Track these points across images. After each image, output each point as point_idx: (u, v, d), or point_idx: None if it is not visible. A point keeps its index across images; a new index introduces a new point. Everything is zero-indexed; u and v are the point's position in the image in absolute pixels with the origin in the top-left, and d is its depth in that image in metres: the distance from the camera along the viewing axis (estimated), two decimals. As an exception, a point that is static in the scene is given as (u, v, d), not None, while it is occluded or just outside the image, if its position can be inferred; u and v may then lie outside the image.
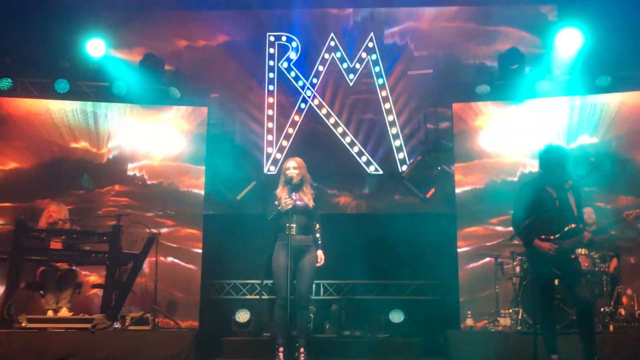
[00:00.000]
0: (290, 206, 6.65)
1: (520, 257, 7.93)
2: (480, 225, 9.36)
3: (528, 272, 7.60)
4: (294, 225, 6.74)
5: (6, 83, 9.44)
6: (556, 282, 6.37)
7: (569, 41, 9.06)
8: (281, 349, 6.58)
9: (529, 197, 6.14)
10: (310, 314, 9.11)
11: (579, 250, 7.41)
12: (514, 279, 8.15)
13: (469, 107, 9.63)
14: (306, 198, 6.86)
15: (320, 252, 6.94)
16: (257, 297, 9.60)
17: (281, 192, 6.88)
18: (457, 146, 9.65)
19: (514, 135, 9.41)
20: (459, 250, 9.36)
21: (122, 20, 9.85)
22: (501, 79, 9.59)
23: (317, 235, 7.02)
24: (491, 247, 8.90)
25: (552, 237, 6.01)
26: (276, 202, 6.81)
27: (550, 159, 6.18)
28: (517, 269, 8.06)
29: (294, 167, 6.90)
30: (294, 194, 6.79)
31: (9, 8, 9.23)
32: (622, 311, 7.77)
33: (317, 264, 6.89)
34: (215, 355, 8.35)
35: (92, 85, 9.80)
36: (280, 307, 6.68)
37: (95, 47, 9.44)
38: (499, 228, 8.95)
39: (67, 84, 9.45)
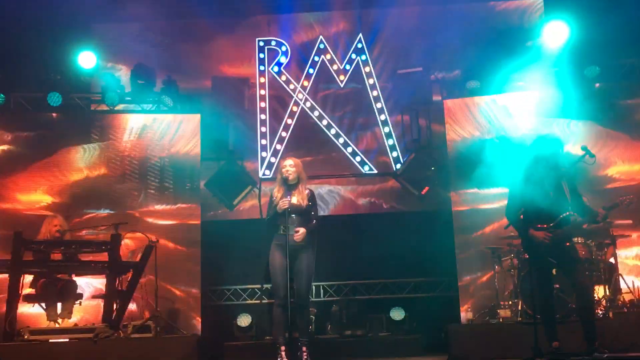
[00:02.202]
0: (286, 206, 6.68)
1: (517, 248, 7.97)
2: (475, 218, 9.41)
3: (526, 262, 7.65)
4: (290, 225, 6.77)
5: (-1, 99, 9.50)
6: (554, 271, 6.43)
7: (556, 33, 9.14)
8: (283, 347, 6.60)
9: (523, 186, 6.20)
10: (312, 316, 9.18)
11: (576, 238, 7.46)
12: (512, 270, 8.20)
13: (460, 102, 9.69)
14: (300, 197, 6.87)
15: (303, 230, 6.84)
16: (258, 301, 9.63)
17: (277, 191, 6.92)
18: (450, 142, 9.69)
19: (506, 126, 9.48)
20: (456, 244, 9.38)
21: (112, 32, 9.88)
22: (491, 74, 9.63)
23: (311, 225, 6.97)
24: (487, 239, 8.94)
25: (546, 226, 6.06)
26: (274, 201, 6.86)
27: (543, 148, 6.24)
28: (515, 260, 8.12)
29: (290, 165, 6.94)
30: (290, 193, 6.81)
31: (-1, 23, 9.26)
32: (621, 298, 7.84)
33: (296, 236, 6.78)
34: (218, 360, 8.40)
35: (84, 97, 9.86)
36: (279, 306, 6.70)
37: (87, 59, 9.48)
38: (495, 220, 8.98)
39: (59, 97, 9.47)
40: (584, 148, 6.19)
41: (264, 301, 9.55)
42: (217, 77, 10.19)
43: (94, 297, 8.57)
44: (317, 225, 7.01)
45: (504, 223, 6.44)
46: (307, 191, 6.99)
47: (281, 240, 6.73)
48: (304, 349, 6.68)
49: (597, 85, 9.16)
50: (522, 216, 6.14)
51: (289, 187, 6.86)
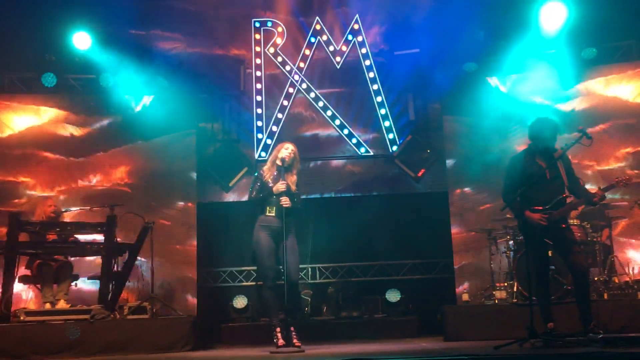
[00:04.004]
0: (284, 189, 6.63)
1: (513, 230, 7.98)
2: (472, 201, 9.44)
3: (521, 244, 7.67)
4: (275, 207, 6.70)
5: (-8, 79, 9.47)
6: (550, 253, 6.43)
7: (554, 15, 9.06)
8: (278, 329, 6.57)
9: (519, 168, 6.18)
10: (307, 298, 9.21)
11: (572, 220, 7.47)
12: (507, 252, 8.21)
13: (456, 84, 9.67)
14: (291, 182, 6.82)
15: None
16: (254, 283, 9.64)
17: (267, 172, 6.83)
18: (446, 124, 9.72)
19: (504, 110, 9.50)
20: (451, 226, 9.42)
21: (106, 11, 9.77)
22: (489, 55, 9.61)
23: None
24: (483, 220, 8.94)
25: (542, 208, 6.05)
26: (263, 181, 6.76)
27: (539, 130, 6.21)
28: (511, 242, 8.13)
29: (292, 150, 6.85)
30: (283, 176, 6.73)
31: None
32: (616, 279, 7.86)
33: (280, 184, 6.70)
34: (214, 342, 8.43)
35: (79, 78, 9.81)
36: (270, 288, 6.65)
37: (81, 40, 9.39)
38: (491, 202, 9.01)
39: (54, 77, 9.43)
40: (581, 130, 6.16)
41: (259, 283, 9.54)
42: (213, 57, 10.10)
43: (90, 278, 8.56)
44: (301, 209, 6.97)
45: (500, 204, 6.41)
46: (296, 178, 6.91)
47: (268, 221, 6.69)
48: (292, 329, 6.63)
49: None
50: (518, 198, 6.12)
51: (284, 169, 6.78)
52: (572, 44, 9.16)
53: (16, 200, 9.40)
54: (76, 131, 9.82)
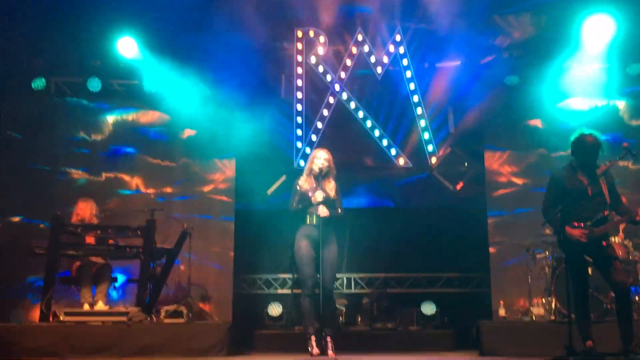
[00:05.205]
0: (321, 200, 6.65)
1: (552, 246, 7.88)
2: (511, 216, 9.35)
3: (561, 261, 7.57)
4: (315, 216, 6.72)
5: (40, 83, 9.65)
6: (590, 270, 6.33)
7: (599, 29, 8.89)
8: (313, 337, 6.58)
9: (561, 184, 6.10)
10: (342, 307, 9.19)
11: (613, 238, 7.35)
12: (546, 268, 8.11)
13: (497, 98, 9.60)
14: (329, 189, 6.83)
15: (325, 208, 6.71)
16: (289, 291, 9.66)
17: (305, 181, 6.86)
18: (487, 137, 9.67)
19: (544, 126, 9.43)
20: (490, 241, 9.34)
21: (152, 19, 9.91)
22: (530, 69, 9.52)
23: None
24: (522, 235, 8.83)
25: (583, 224, 5.96)
26: (301, 192, 6.79)
27: (582, 146, 6.11)
28: (550, 258, 8.03)
29: (325, 158, 6.87)
30: (320, 185, 6.75)
31: (42, 9, 9.34)
32: (658, 300, 7.70)
33: (317, 193, 6.72)
34: (248, 348, 8.45)
35: (123, 84, 9.95)
36: (308, 296, 6.68)
37: (127, 46, 9.51)
38: (531, 218, 8.90)
39: (99, 82, 9.61)
40: (627, 148, 6.04)
41: (295, 291, 9.56)
42: (254, 66, 10.15)
43: (129, 281, 8.67)
44: (341, 215, 6.97)
45: (539, 220, 6.33)
46: (335, 185, 6.92)
47: (309, 230, 6.72)
48: (329, 339, 6.63)
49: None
50: (558, 214, 6.04)
51: (321, 178, 6.81)
52: (618, 58, 9.04)
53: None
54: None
